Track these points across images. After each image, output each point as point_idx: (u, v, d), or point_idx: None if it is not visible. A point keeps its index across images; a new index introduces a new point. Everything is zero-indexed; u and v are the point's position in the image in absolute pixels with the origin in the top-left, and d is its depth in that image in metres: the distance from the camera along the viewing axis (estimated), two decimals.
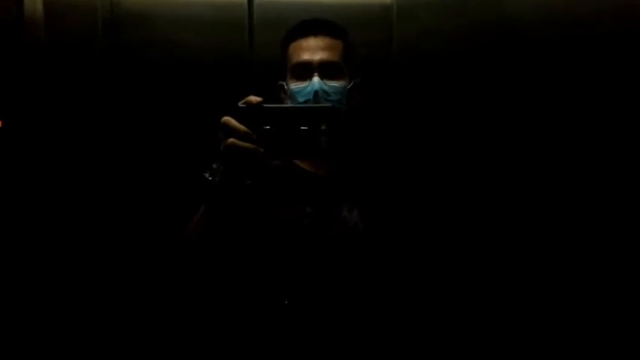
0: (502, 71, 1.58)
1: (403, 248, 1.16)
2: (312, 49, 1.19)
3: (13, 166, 1.55)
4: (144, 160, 1.63)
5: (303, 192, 1.16)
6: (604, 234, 1.54)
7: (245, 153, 0.92)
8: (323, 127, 0.96)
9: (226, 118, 0.94)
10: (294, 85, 1.19)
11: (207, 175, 1.01)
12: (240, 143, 0.92)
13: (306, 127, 0.96)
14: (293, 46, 1.22)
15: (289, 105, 0.99)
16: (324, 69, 1.18)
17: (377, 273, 1.13)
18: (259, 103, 0.95)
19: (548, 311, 1.55)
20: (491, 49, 1.59)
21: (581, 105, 1.56)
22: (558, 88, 1.56)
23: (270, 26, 1.59)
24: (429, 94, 1.61)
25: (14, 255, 1.54)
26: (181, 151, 1.59)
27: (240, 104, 0.95)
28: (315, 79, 1.17)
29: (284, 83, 1.23)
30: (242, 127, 0.93)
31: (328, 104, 1.08)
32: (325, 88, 1.16)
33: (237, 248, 1.10)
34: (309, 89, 1.16)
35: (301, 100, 1.17)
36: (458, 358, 1.51)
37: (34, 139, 1.57)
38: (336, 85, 1.18)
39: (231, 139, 0.92)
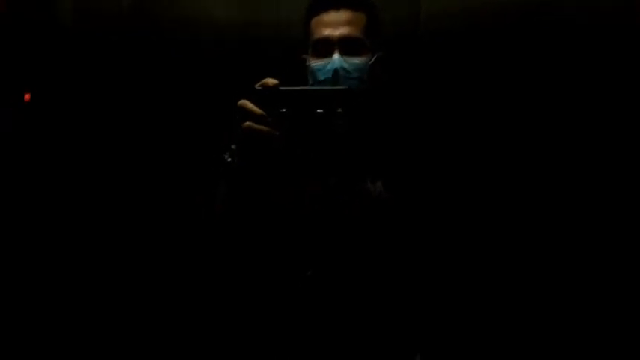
0: (528, 49, 1.55)
1: (428, 218, 1.14)
2: (334, 24, 1.15)
3: (41, 137, 1.60)
4: (172, 137, 1.66)
5: (325, 165, 1.14)
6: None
7: (260, 136, 0.93)
8: (339, 110, 0.96)
9: (242, 101, 0.94)
10: (315, 63, 1.16)
11: (226, 156, 1.01)
12: (256, 126, 0.93)
13: (321, 110, 0.96)
14: (315, 20, 1.18)
15: (305, 87, 0.98)
16: (345, 45, 1.14)
17: (403, 243, 1.12)
18: (275, 85, 0.95)
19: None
20: (518, 27, 1.56)
21: (607, 88, 1.52)
22: (581, 68, 1.53)
23: (296, 1, 1.58)
24: (455, 70, 1.58)
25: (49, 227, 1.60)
26: (210, 128, 1.61)
27: (256, 86, 0.95)
28: (336, 56, 1.13)
29: (306, 58, 1.20)
30: (257, 110, 0.93)
31: (344, 86, 1.06)
32: (345, 65, 1.13)
33: (261, 222, 1.11)
34: (329, 67, 1.13)
35: (321, 77, 1.14)
36: (482, 326, 1.52)
37: (61, 112, 1.63)
38: (357, 61, 1.15)
39: (247, 122, 0.93)
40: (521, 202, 1.55)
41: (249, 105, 0.94)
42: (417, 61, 1.58)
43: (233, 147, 1.01)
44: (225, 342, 1.48)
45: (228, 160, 1.00)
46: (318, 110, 0.96)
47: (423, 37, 1.59)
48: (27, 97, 1.63)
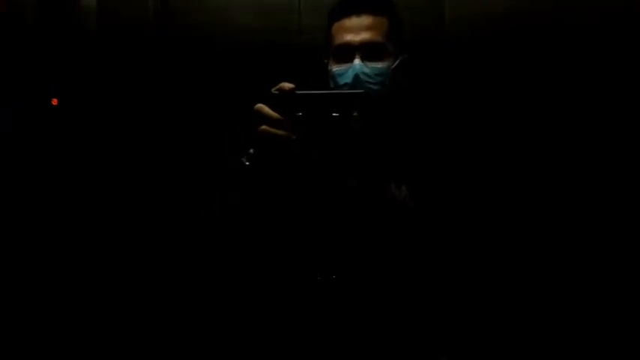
0: (552, 54, 1.54)
1: (452, 225, 1.13)
2: (355, 30, 1.15)
3: (68, 141, 1.65)
4: (196, 141, 1.68)
5: (341, 168, 1.14)
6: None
7: (277, 139, 0.94)
8: (355, 114, 0.97)
9: (259, 105, 0.96)
10: (336, 68, 1.16)
11: (244, 159, 1.03)
12: (272, 130, 0.94)
13: (337, 114, 0.97)
14: (336, 26, 1.18)
15: (321, 91, 0.99)
16: (366, 50, 1.14)
17: (426, 248, 1.11)
18: (292, 89, 0.96)
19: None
20: (541, 32, 1.55)
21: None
22: (612, 76, 1.52)
23: (318, 9, 1.60)
24: (479, 75, 1.58)
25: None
26: (231, 133, 1.64)
27: (273, 91, 0.97)
28: (356, 61, 1.13)
29: (328, 62, 1.20)
30: (274, 114, 0.95)
31: (360, 90, 1.06)
32: (366, 70, 1.13)
33: (279, 225, 1.12)
34: (349, 72, 1.13)
35: (342, 82, 1.14)
36: (506, 327, 1.52)
37: (88, 117, 1.67)
38: (379, 66, 1.14)
39: (263, 126, 0.95)
40: (547, 206, 1.55)
41: (266, 109, 0.95)
42: (442, 65, 1.58)
43: (251, 150, 1.02)
44: (239, 345, 1.50)
45: (246, 163, 1.02)
46: (334, 114, 0.97)
47: (447, 41, 1.59)
48: (54, 101, 1.68)
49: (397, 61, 1.18)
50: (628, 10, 1.50)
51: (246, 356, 1.41)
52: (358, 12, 1.16)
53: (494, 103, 1.57)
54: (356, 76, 1.13)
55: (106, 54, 1.67)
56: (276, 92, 0.97)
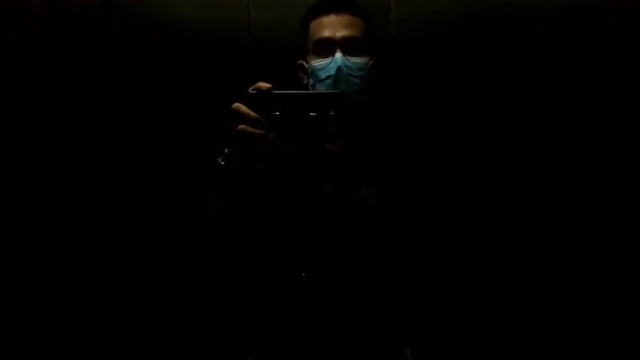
0: (498, 56, 1.57)
1: (420, 226, 1.17)
2: (334, 26, 1.18)
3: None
4: (144, 140, 1.64)
5: (321, 169, 1.17)
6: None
7: (255, 138, 0.95)
8: (331, 113, 0.99)
9: (237, 105, 0.96)
10: (316, 62, 1.18)
11: (220, 159, 1.03)
12: (251, 129, 0.95)
13: (314, 113, 0.99)
14: (314, 23, 1.21)
15: (298, 91, 1.01)
16: (347, 45, 1.17)
17: (395, 249, 1.15)
18: (269, 89, 0.97)
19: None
20: (487, 34, 1.58)
21: (576, 97, 1.55)
22: (553, 76, 1.55)
23: (266, 3, 1.62)
24: (428, 77, 1.60)
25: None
26: (179, 129, 1.61)
27: (250, 90, 0.97)
28: (338, 54, 1.16)
29: (303, 62, 1.23)
30: (252, 114, 0.95)
31: (336, 90, 1.09)
32: (348, 63, 1.16)
33: (255, 224, 1.12)
34: (332, 65, 1.16)
35: (324, 76, 1.17)
36: (473, 331, 1.55)
37: (29, 115, 1.61)
38: (359, 61, 1.17)
39: (241, 125, 0.95)
40: (507, 206, 1.58)
41: (244, 108, 0.96)
42: (389, 66, 1.60)
43: (226, 150, 1.02)
44: (220, 340, 1.49)
45: (222, 163, 1.02)
46: (311, 113, 0.99)
47: (394, 45, 1.59)
48: None
49: (372, 61, 1.21)
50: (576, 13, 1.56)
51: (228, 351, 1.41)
52: (337, 10, 1.20)
53: (446, 102, 1.59)
54: (339, 69, 1.15)
55: (51, 45, 1.62)
56: (254, 92, 0.97)
